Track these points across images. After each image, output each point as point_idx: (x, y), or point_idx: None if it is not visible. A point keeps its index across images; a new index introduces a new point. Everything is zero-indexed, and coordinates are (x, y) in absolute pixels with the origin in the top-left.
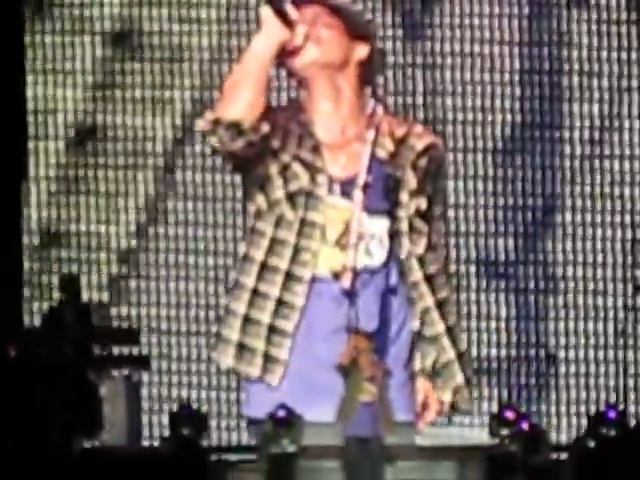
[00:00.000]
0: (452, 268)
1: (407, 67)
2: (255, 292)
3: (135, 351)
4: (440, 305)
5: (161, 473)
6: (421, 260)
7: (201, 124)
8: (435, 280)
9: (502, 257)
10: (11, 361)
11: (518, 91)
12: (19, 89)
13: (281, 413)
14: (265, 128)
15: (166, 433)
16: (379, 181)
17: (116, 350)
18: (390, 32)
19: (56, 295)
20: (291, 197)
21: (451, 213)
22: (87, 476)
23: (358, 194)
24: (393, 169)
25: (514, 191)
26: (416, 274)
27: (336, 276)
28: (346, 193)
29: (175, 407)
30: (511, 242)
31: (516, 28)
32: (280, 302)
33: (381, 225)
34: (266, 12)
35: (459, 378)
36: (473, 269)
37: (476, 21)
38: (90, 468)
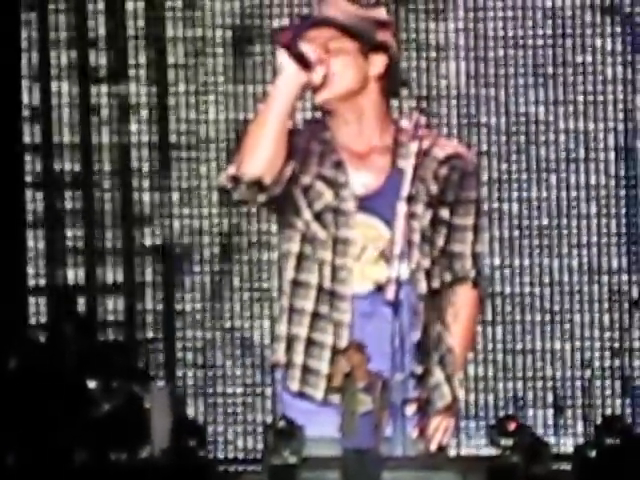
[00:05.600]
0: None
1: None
2: (315, 315)
3: (135, 365)
4: (442, 320)
5: None
6: (428, 273)
7: (222, 180)
8: (439, 295)
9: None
10: (12, 372)
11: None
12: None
13: (282, 424)
14: (287, 173)
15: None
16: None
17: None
18: None
19: (57, 307)
20: (318, 216)
21: None
22: None
23: (402, 206)
24: (412, 181)
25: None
26: (421, 286)
27: (379, 289)
28: (366, 208)
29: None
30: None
31: None
32: (332, 322)
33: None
34: (283, 58)
35: (447, 397)
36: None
37: None
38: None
